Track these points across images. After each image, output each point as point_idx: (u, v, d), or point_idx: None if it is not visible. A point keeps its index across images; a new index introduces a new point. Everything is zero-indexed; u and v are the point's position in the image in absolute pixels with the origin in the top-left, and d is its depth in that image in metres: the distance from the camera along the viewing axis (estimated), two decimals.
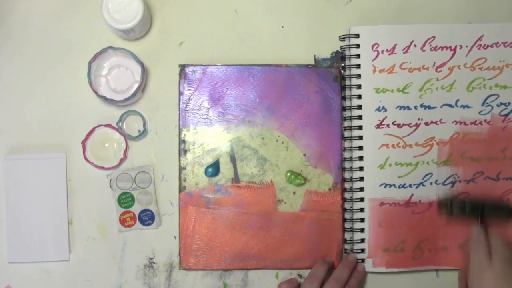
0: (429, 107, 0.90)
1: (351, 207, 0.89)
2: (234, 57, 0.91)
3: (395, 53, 0.90)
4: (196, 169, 0.90)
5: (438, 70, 0.90)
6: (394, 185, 0.89)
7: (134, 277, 0.89)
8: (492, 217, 0.84)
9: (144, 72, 0.87)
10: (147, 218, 0.89)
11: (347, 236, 0.90)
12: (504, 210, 0.86)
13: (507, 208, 0.86)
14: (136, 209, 0.89)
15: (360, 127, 0.89)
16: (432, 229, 0.89)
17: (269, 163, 0.90)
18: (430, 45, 0.90)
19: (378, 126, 0.89)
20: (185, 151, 0.89)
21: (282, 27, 0.92)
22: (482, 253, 0.79)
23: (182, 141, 0.90)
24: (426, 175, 0.90)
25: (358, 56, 0.90)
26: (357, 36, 0.90)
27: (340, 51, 0.92)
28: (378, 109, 0.89)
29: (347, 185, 0.90)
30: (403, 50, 0.90)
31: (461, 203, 0.85)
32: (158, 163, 0.90)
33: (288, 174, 0.90)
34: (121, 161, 0.89)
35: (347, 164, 0.90)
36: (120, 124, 0.89)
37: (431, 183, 0.90)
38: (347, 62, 0.90)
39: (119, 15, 0.85)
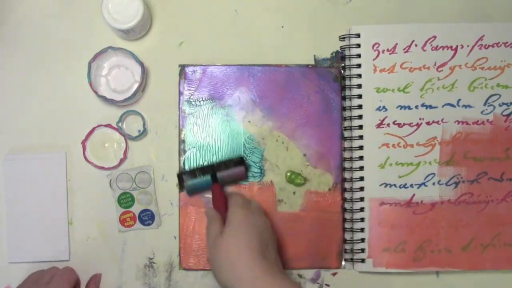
0: (430, 107, 0.89)
1: (351, 207, 0.89)
2: (234, 57, 0.91)
3: (396, 53, 0.89)
4: None
5: (439, 69, 0.89)
6: (395, 185, 0.89)
7: (134, 277, 0.89)
8: (228, 175, 0.87)
9: (144, 72, 0.87)
10: (147, 218, 0.89)
11: (347, 236, 0.89)
12: (234, 163, 0.88)
13: (236, 161, 0.88)
14: (136, 209, 0.89)
15: (360, 127, 0.89)
16: (435, 230, 0.89)
17: (269, 163, 0.90)
18: (431, 45, 0.90)
19: (379, 125, 0.89)
20: (185, 151, 0.89)
21: (282, 27, 0.92)
22: (216, 225, 0.81)
23: (182, 141, 0.90)
24: (428, 175, 0.89)
25: (358, 55, 0.89)
26: (358, 35, 0.89)
27: (340, 51, 0.91)
28: (378, 109, 0.89)
29: (347, 185, 0.90)
30: (404, 49, 0.90)
31: (191, 171, 0.87)
32: (158, 163, 0.90)
33: (288, 174, 0.89)
34: (121, 161, 0.89)
35: (347, 164, 0.90)
36: (120, 124, 0.89)
37: (433, 184, 0.89)
38: (347, 62, 0.90)
39: (119, 15, 0.85)
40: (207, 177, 0.86)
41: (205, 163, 0.89)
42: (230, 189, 0.90)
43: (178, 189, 0.89)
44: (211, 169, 0.87)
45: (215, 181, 0.86)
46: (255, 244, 0.76)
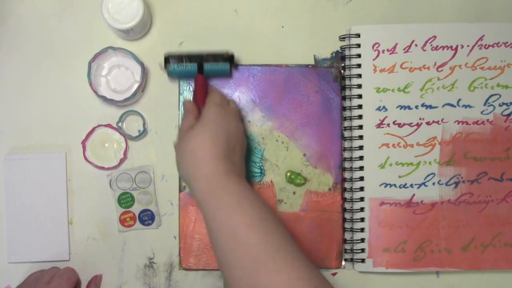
0: (430, 107, 0.89)
1: (351, 207, 0.89)
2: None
3: (396, 53, 0.89)
4: None
5: (439, 69, 0.89)
6: (395, 185, 0.89)
7: (134, 277, 0.89)
8: (213, 69, 0.87)
9: (144, 72, 0.87)
10: (147, 218, 0.89)
11: (347, 236, 0.89)
12: (223, 58, 0.87)
13: (225, 56, 0.87)
14: (136, 209, 0.89)
15: (360, 127, 0.89)
16: (435, 230, 0.89)
17: (269, 163, 0.90)
18: (431, 45, 0.90)
19: (379, 125, 0.89)
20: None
21: (282, 27, 0.92)
22: (189, 118, 0.81)
23: None
24: (428, 175, 0.89)
25: (358, 55, 0.89)
26: (358, 35, 0.89)
27: (340, 51, 0.91)
28: (378, 109, 0.89)
29: (347, 185, 0.90)
30: (404, 49, 0.90)
31: (178, 56, 0.86)
32: (158, 163, 0.90)
33: (288, 174, 0.89)
34: (121, 161, 0.89)
35: (347, 164, 0.90)
36: (120, 124, 0.89)
37: (433, 184, 0.89)
38: (347, 62, 0.90)
39: (119, 15, 0.85)
40: (193, 66, 0.86)
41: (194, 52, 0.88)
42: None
43: (164, 72, 0.89)
44: (198, 59, 0.86)
45: (200, 72, 0.86)
46: (221, 144, 0.77)
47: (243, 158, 0.82)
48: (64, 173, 0.89)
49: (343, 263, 0.90)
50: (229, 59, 0.87)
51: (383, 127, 0.89)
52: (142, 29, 0.89)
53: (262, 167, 0.90)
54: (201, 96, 0.84)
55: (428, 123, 0.89)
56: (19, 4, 0.91)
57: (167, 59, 0.86)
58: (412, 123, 0.89)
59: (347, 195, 0.90)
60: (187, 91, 0.89)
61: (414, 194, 0.89)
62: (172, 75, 0.88)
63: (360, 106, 0.89)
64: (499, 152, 0.90)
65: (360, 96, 0.89)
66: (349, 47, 0.90)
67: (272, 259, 0.69)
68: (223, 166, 0.76)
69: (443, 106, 0.89)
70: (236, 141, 0.80)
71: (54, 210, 0.89)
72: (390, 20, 0.92)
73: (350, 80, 0.90)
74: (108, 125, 0.90)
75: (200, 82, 0.85)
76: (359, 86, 0.89)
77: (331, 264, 0.90)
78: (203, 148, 0.76)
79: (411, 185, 0.89)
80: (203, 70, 0.86)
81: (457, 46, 0.90)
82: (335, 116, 0.90)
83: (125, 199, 0.89)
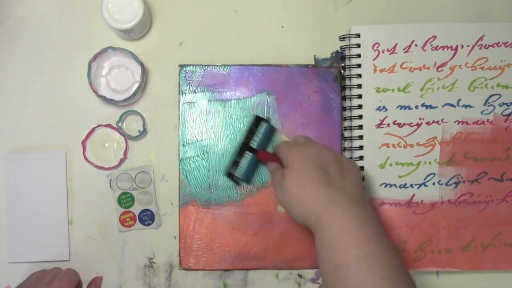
0: (430, 107, 0.89)
1: None
2: (234, 57, 0.91)
3: (396, 53, 0.89)
4: None
5: (439, 69, 0.89)
6: (395, 185, 0.89)
7: (134, 277, 0.89)
8: (260, 139, 0.87)
9: (144, 72, 0.87)
10: (147, 218, 0.89)
11: None
12: (256, 124, 0.87)
13: (256, 121, 0.87)
14: (136, 209, 0.89)
15: (360, 127, 0.89)
16: (435, 230, 0.89)
17: None
18: (431, 45, 0.89)
19: (379, 125, 0.89)
20: (185, 151, 0.89)
21: (282, 27, 0.92)
22: (278, 172, 0.82)
23: (181, 141, 0.89)
24: (428, 175, 0.89)
25: (358, 55, 0.89)
26: (358, 35, 0.89)
27: (340, 51, 0.91)
28: (378, 109, 0.89)
29: None
30: (404, 49, 0.89)
31: (235, 162, 0.87)
32: (158, 163, 0.90)
33: None
34: (121, 161, 0.89)
35: None
36: (120, 124, 0.89)
37: (433, 184, 0.89)
38: (347, 62, 0.90)
39: (119, 15, 0.85)
40: (249, 156, 0.86)
41: (237, 147, 0.88)
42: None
43: (236, 187, 0.89)
44: (245, 147, 0.86)
45: (256, 151, 0.86)
46: (313, 175, 0.77)
47: (355, 178, 0.80)
48: (64, 173, 0.89)
49: None
50: (260, 120, 0.87)
51: (383, 127, 0.89)
52: (142, 29, 0.89)
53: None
54: (276, 160, 0.84)
55: (428, 123, 0.89)
56: (19, 4, 0.91)
57: (230, 176, 0.87)
58: (412, 123, 0.89)
59: None
60: (187, 91, 0.89)
61: (414, 194, 0.89)
62: (247, 180, 0.89)
63: (360, 106, 0.89)
64: (499, 152, 0.90)
65: (360, 96, 0.89)
66: (349, 47, 0.90)
67: None
68: (326, 194, 0.76)
69: (443, 106, 0.89)
70: (323, 160, 0.80)
71: (54, 210, 0.89)
72: (390, 20, 0.92)
73: (350, 80, 0.90)
74: (108, 125, 0.90)
75: (265, 154, 0.86)
76: (359, 86, 0.89)
77: None
78: (301, 188, 0.77)
79: (411, 185, 0.89)
80: (255, 148, 0.86)
81: (457, 46, 0.90)
82: (335, 116, 0.90)
83: (125, 199, 0.89)
